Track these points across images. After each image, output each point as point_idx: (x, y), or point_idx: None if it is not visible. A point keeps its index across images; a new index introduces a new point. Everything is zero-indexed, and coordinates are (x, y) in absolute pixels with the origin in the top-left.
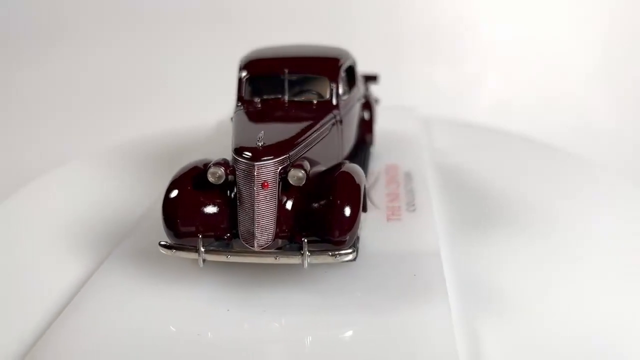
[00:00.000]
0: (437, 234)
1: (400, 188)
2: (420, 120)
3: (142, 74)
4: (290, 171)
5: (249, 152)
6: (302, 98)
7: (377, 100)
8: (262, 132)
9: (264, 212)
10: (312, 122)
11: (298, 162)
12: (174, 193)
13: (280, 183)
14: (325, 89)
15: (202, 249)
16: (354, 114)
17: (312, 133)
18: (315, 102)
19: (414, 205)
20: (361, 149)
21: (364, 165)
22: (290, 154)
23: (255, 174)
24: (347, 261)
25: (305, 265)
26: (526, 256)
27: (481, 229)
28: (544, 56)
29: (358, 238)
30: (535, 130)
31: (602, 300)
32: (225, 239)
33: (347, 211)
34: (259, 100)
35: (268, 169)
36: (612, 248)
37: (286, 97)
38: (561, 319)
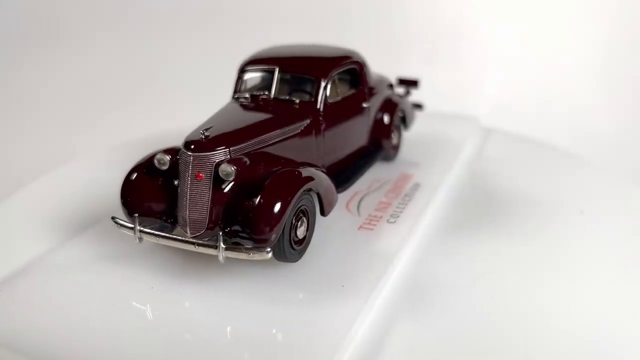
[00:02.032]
0: (401, 245)
1: (398, 198)
2: (479, 131)
3: (143, 74)
4: (221, 165)
5: (190, 143)
6: (287, 97)
7: (420, 106)
8: (212, 125)
9: (196, 202)
10: (278, 121)
11: (236, 158)
12: (130, 176)
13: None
14: (312, 90)
15: (138, 228)
16: (359, 117)
17: (272, 132)
18: (298, 102)
19: (398, 216)
20: (368, 154)
21: (361, 171)
22: (232, 148)
23: (191, 164)
24: (261, 259)
25: (221, 258)
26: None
27: (468, 237)
28: (544, 56)
29: (304, 239)
30: (535, 130)
31: (586, 301)
32: (169, 223)
33: (271, 212)
34: (248, 96)
35: (203, 160)
36: (612, 248)
37: (272, 95)
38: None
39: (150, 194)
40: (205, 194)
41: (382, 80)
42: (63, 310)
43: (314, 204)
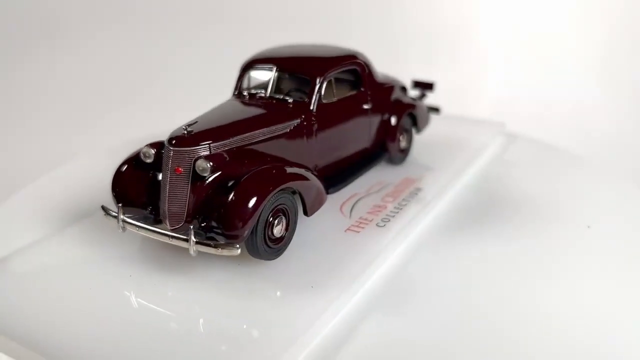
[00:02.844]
0: (385, 250)
1: (394, 203)
2: (502, 137)
3: (144, 74)
4: (198, 161)
5: (173, 138)
6: (281, 96)
7: (437, 110)
8: (197, 121)
9: (175, 195)
10: (266, 120)
11: (216, 154)
12: (121, 168)
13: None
14: (308, 90)
15: (122, 217)
16: (359, 118)
17: (258, 130)
18: (291, 101)
19: (388, 221)
20: (371, 156)
21: (358, 174)
22: (212, 145)
23: (171, 158)
24: (230, 255)
25: (192, 251)
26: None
27: (459, 244)
28: (544, 56)
29: (282, 239)
30: (535, 131)
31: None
32: (152, 215)
33: (243, 209)
34: (246, 94)
35: (182, 155)
36: (611, 247)
37: (267, 93)
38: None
39: (137, 186)
40: (184, 188)
41: (392, 82)
42: (47, 294)
43: (295, 203)
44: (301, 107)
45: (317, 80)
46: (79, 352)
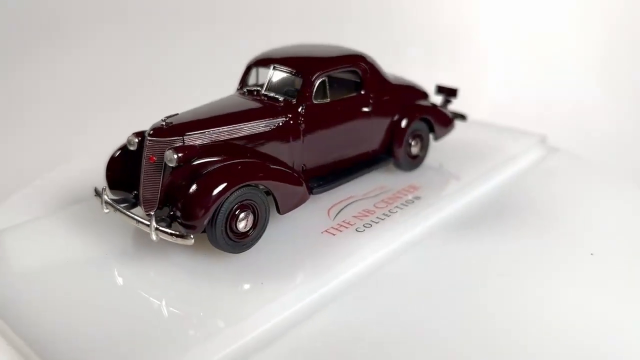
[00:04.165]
0: (353, 256)
1: (385, 209)
2: (538, 149)
3: (144, 74)
4: (166, 152)
5: (152, 128)
6: (273, 94)
7: (463, 117)
8: (178, 113)
9: (149, 182)
10: (248, 116)
11: (189, 146)
12: (115, 154)
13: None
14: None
15: (105, 198)
16: (358, 121)
17: (237, 125)
18: (282, 100)
19: (370, 226)
20: (374, 160)
21: (350, 177)
22: (185, 137)
23: (147, 147)
24: (184, 244)
25: (153, 237)
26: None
27: (432, 260)
28: (544, 56)
29: (247, 234)
30: (535, 130)
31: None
32: (134, 199)
33: (200, 200)
34: (245, 90)
35: (157, 145)
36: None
37: (262, 91)
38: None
39: (126, 171)
40: (157, 177)
41: (407, 85)
42: (31, 268)
43: (266, 201)
44: (289, 106)
45: (307, 80)
46: (30, 314)
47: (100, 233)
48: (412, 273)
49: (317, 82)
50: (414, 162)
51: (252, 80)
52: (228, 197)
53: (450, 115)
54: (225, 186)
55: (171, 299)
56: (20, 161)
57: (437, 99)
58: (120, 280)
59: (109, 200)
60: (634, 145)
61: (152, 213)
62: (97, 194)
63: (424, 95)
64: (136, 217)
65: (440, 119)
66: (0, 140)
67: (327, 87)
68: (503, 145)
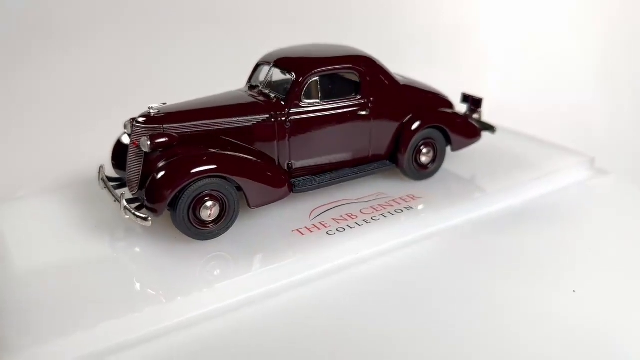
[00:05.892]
0: (308, 258)
1: (368, 216)
2: (585, 172)
3: (144, 74)
4: (141, 139)
5: (140, 116)
6: (268, 92)
7: (492, 128)
8: (166, 103)
9: (132, 165)
10: (232, 111)
11: (167, 134)
12: (121, 137)
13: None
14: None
15: (101, 175)
16: (354, 123)
17: (219, 119)
18: (274, 97)
19: (343, 230)
20: (366, 164)
21: (338, 179)
22: (165, 126)
23: (132, 133)
24: (143, 225)
25: (124, 216)
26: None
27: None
28: (544, 56)
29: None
30: (535, 131)
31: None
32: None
33: (160, 187)
34: (248, 86)
35: (140, 131)
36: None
37: (260, 87)
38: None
39: (115, 152)
40: (138, 161)
41: (428, 92)
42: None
43: (236, 194)
44: (276, 104)
45: (297, 79)
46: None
47: (90, 206)
48: (352, 292)
49: (308, 82)
50: (423, 171)
51: (261, 77)
52: (191, 185)
53: (477, 126)
54: (186, 175)
55: (141, 271)
56: (20, 161)
57: (462, 108)
58: (101, 249)
59: (104, 179)
60: (634, 145)
61: (122, 193)
62: (99, 171)
63: (447, 103)
64: (115, 195)
65: (459, 129)
66: (0, 140)
67: (320, 87)
68: (539, 161)
